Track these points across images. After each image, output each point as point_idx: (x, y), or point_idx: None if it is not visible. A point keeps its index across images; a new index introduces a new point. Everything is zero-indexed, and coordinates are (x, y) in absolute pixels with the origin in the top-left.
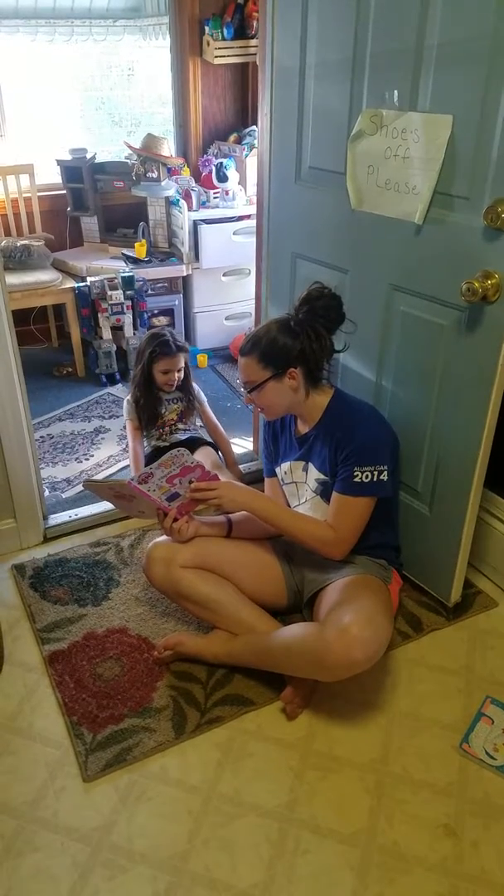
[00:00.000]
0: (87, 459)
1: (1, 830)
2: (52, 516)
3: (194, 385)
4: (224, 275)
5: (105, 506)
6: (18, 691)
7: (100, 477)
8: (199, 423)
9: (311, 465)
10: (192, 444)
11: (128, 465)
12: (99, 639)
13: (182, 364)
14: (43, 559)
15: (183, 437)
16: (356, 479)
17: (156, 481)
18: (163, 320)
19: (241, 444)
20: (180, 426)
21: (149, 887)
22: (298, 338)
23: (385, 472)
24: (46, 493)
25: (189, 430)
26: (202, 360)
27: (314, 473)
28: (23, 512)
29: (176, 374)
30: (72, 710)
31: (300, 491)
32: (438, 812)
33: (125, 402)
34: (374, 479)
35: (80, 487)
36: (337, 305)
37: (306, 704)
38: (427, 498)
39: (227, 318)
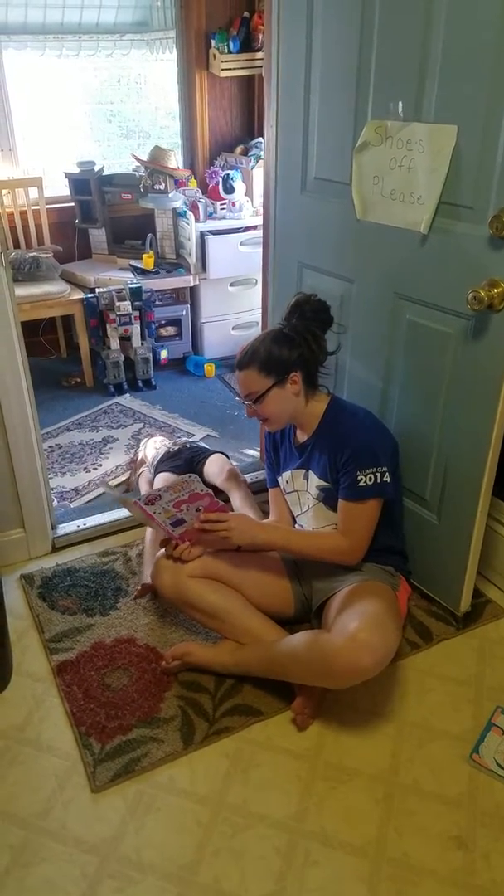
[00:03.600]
0: (94, 469)
1: (9, 841)
2: (61, 526)
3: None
4: (231, 285)
5: (113, 515)
6: (27, 702)
7: (114, 483)
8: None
9: (311, 473)
10: (202, 454)
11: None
12: (107, 649)
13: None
14: (51, 569)
15: (190, 440)
16: (360, 484)
17: (163, 504)
18: (170, 330)
19: (248, 454)
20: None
21: None
22: (295, 343)
23: (386, 474)
24: (55, 502)
25: (193, 435)
26: (210, 369)
27: (315, 481)
28: (31, 522)
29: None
30: (80, 721)
31: (302, 499)
32: (449, 823)
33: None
34: (378, 480)
35: (88, 497)
36: (325, 308)
37: (316, 714)
38: (435, 506)
39: (234, 328)
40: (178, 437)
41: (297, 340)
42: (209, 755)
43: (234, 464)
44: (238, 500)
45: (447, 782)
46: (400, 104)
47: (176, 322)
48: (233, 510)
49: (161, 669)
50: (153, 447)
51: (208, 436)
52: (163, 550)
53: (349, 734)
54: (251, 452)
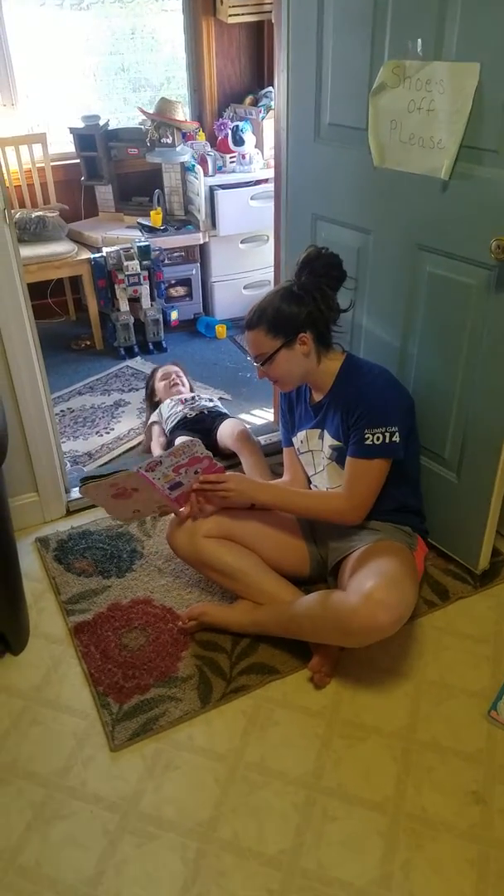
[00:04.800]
0: (107, 433)
1: (31, 799)
2: (75, 490)
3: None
4: (242, 242)
5: None
6: (45, 662)
7: (92, 467)
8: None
9: (325, 433)
10: (218, 416)
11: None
12: (124, 610)
13: (177, 369)
14: (66, 532)
15: (209, 405)
16: (367, 442)
17: (162, 469)
18: (180, 290)
19: (261, 416)
20: (203, 398)
21: (178, 854)
22: (304, 301)
23: (396, 434)
24: (68, 466)
25: (212, 398)
26: (221, 330)
27: (329, 440)
28: (45, 486)
29: (175, 377)
30: (98, 681)
31: (316, 459)
32: (467, 779)
33: (148, 426)
34: (386, 440)
35: (101, 461)
36: (337, 263)
37: (333, 673)
38: (454, 465)
39: (245, 287)
40: (196, 402)
41: (307, 299)
42: (227, 713)
43: (248, 426)
44: (248, 462)
45: (465, 739)
46: (419, 42)
47: (186, 282)
48: (243, 472)
49: (178, 630)
50: (168, 406)
51: (221, 398)
52: (174, 515)
53: (366, 692)
54: (264, 414)
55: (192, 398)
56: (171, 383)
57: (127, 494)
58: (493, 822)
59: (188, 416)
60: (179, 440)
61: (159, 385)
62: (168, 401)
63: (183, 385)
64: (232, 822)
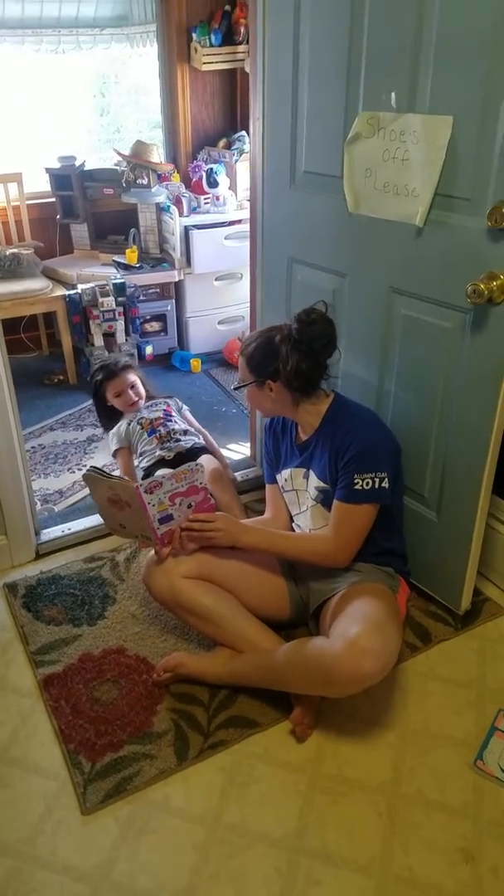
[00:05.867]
0: (79, 469)
1: None
2: (45, 531)
3: (172, 398)
4: (216, 279)
5: (99, 519)
6: (12, 718)
7: (63, 506)
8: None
9: (311, 473)
10: (197, 454)
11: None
12: (95, 660)
13: (132, 379)
14: (35, 577)
15: (187, 445)
16: (356, 487)
17: (160, 494)
18: (155, 326)
19: (238, 450)
20: (178, 432)
21: None
22: (280, 356)
23: (385, 480)
24: (38, 505)
25: (190, 435)
26: (196, 364)
27: (314, 481)
28: (14, 528)
29: (130, 392)
30: (69, 738)
31: (300, 499)
32: (455, 835)
33: (110, 436)
34: (375, 486)
35: (73, 499)
36: (328, 334)
37: (315, 725)
38: (434, 504)
39: (219, 323)
40: (171, 439)
41: (285, 354)
42: (205, 771)
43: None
44: (222, 501)
45: (452, 791)
46: (393, 95)
47: (161, 317)
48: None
49: (152, 681)
50: (135, 435)
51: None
52: (152, 553)
53: (349, 744)
54: (240, 448)
55: (168, 435)
56: (129, 402)
57: (120, 505)
58: (482, 882)
59: (166, 458)
60: (160, 472)
61: (114, 401)
62: (134, 425)
63: (141, 398)
64: (211, 890)
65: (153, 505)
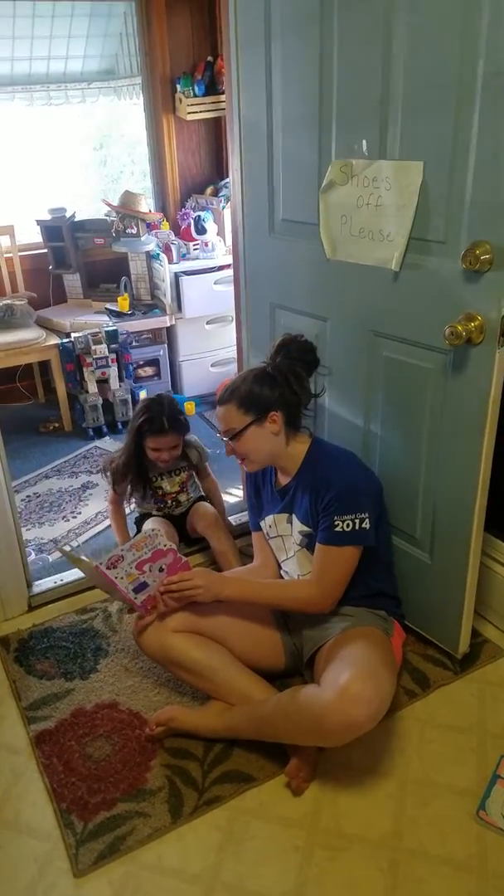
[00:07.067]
0: (73, 518)
1: None
2: (37, 583)
3: (198, 443)
4: (207, 323)
5: None
6: (4, 777)
7: (75, 544)
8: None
9: (294, 518)
10: (193, 502)
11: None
12: (88, 715)
13: (175, 443)
14: (27, 630)
15: (184, 509)
16: (337, 529)
17: (125, 567)
18: (148, 371)
19: (232, 493)
20: (182, 498)
21: None
22: (277, 383)
23: (367, 520)
24: (32, 556)
25: (192, 498)
26: (190, 407)
27: (298, 526)
28: (6, 581)
29: (168, 454)
30: (61, 797)
31: (286, 544)
32: (460, 891)
33: (110, 468)
34: (356, 527)
35: (67, 548)
36: (311, 348)
37: (312, 777)
38: (426, 545)
39: (212, 365)
40: (169, 508)
41: (280, 380)
42: (200, 828)
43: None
44: (217, 549)
45: (455, 844)
46: (364, 142)
47: (154, 362)
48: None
49: (145, 736)
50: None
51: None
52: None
53: (348, 796)
54: (235, 492)
55: (172, 505)
56: (160, 460)
57: (98, 578)
58: None
59: (156, 512)
60: (152, 520)
61: (147, 450)
62: (148, 493)
63: (172, 460)
64: None
65: (121, 578)
